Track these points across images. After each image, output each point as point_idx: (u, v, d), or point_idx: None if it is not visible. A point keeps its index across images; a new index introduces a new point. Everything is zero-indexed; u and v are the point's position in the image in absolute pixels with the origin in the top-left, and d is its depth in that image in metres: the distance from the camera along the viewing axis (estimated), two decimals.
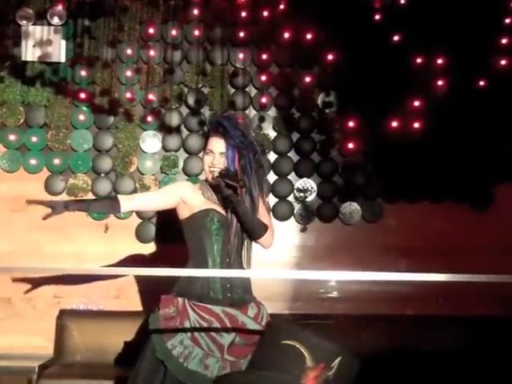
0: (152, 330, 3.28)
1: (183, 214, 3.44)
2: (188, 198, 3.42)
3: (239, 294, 3.35)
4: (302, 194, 5.12)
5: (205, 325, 3.24)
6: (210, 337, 3.23)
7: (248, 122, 5.02)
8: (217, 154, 3.37)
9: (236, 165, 3.37)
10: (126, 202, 3.42)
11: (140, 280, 4.89)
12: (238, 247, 3.42)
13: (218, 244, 3.37)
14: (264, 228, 3.42)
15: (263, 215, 3.47)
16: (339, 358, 2.92)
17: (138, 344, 4.71)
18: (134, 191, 5.04)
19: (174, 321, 3.26)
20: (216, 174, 3.34)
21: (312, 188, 5.12)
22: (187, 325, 3.24)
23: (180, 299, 3.30)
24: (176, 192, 3.46)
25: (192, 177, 5.02)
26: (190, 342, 3.21)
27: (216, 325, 3.24)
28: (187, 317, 3.25)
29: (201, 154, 4.04)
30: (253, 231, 3.40)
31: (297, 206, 5.12)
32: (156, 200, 3.53)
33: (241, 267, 3.42)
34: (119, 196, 3.50)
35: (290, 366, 2.95)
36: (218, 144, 3.38)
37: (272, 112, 5.17)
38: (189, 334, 3.22)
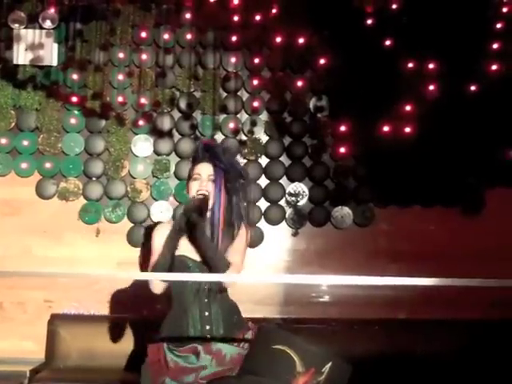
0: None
1: None
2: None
3: (219, 333, 3.24)
4: (293, 198, 5.12)
5: (182, 363, 3.18)
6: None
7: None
8: (204, 177, 3.32)
9: (222, 189, 3.31)
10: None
11: (131, 284, 4.88)
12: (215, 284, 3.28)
13: (193, 288, 3.26)
14: (226, 266, 3.22)
15: (234, 251, 3.32)
16: (330, 363, 2.91)
17: (130, 348, 4.76)
18: (126, 195, 5.04)
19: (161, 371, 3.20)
20: (203, 194, 3.27)
21: (303, 192, 5.13)
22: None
23: (163, 346, 3.24)
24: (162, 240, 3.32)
25: (183, 181, 5.01)
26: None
27: (192, 357, 3.18)
28: (166, 363, 3.20)
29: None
30: (210, 264, 3.23)
31: (288, 210, 5.12)
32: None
33: (224, 302, 3.31)
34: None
35: (281, 370, 2.94)
36: (205, 168, 3.34)
37: (264, 116, 5.17)
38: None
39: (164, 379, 3.13)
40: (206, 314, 3.24)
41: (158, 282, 3.24)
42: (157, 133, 5.10)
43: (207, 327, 3.24)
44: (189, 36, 5.11)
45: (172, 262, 3.19)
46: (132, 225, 5.06)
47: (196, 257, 3.30)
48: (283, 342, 2.97)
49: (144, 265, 4.87)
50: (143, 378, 3.25)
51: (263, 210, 5.11)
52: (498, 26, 5.05)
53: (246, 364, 3.10)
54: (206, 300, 3.27)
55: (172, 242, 3.20)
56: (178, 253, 3.26)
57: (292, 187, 5.14)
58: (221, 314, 3.27)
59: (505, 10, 5.06)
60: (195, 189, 3.32)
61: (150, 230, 4.04)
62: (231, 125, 5.08)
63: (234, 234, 3.34)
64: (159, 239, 3.29)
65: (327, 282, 4.23)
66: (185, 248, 3.29)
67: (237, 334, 3.27)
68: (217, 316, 3.26)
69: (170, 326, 3.29)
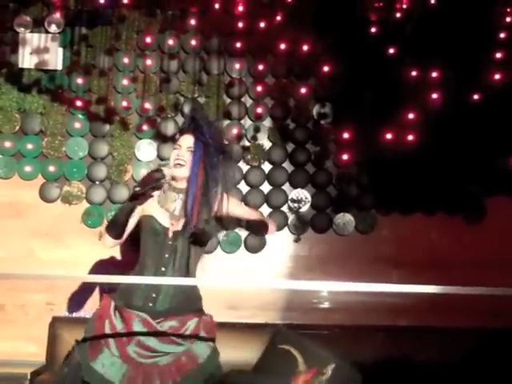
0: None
1: None
2: (145, 204, 3.48)
3: (164, 306, 3.36)
4: (296, 205, 5.13)
5: (119, 326, 3.32)
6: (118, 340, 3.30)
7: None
8: (184, 148, 3.45)
9: (200, 162, 3.41)
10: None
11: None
12: (181, 259, 3.41)
13: (155, 252, 3.41)
14: (262, 223, 3.52)
15: (237, 206, 3.59)
16: (333, 366, 2.95)
17: None
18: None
19: (99, 320, 3.38)
20: (181, 164, 3.43)
21: (306, 198, 5.14)
22: (106, 325, 3.35)
23: (110, 300, 3.42)
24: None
25: None
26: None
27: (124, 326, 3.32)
28: (107, 317, 3.36)
29: None
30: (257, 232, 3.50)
31: (291, 217, 5.13)
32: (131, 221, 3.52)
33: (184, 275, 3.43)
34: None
35: (282, 369, 2.99)
36: (187, 140, 3.47)
37: (267, 122, 5.19)
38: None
39: (103, 348, 3.27)
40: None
41: (105, 234, 3.46)
42: (161, 138, 5.11)
43: (153, 295, 3.35)
44: (193, 42, 5.14)
45: (123, 224, 3.39)
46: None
47: (164, 221, 3.43)
48: (289, 342, 3.02)
49: None
50: (88, 325, 3.44)
51: (266, 216, 5.11)
52: (502, 35, 5.07)
53: (257, 362, 3.14)
54: (163, 269, 3.38)
55: (127, 207, 3.41)
56: (147, 213, 3.46)
57: (294, 193, 5.15)
58: (172, 288, 3.36)
59: (508, 19, 5.08)
60: (173, 157, 3.47)
61: None
62: (235, 131, 5.10)
63: (210, 205, 3.42)
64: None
65: (329, 288, 4.24)
66: (154, 210, 3.45)
67: (184, 314, 3.37)
68: (167, 289, 3.35)
69: (122, 290, 3.44)
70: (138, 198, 3.33)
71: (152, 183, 3.32)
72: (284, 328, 3.30)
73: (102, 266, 4.92)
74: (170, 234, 3.40)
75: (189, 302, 3.42)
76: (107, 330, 3.33)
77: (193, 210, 3.33)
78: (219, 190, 3.44)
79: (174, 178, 3.45)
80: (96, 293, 4.86)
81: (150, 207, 3.46)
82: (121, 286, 3.46)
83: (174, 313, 3.35)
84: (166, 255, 3.38)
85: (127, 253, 4.92)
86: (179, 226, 3.42)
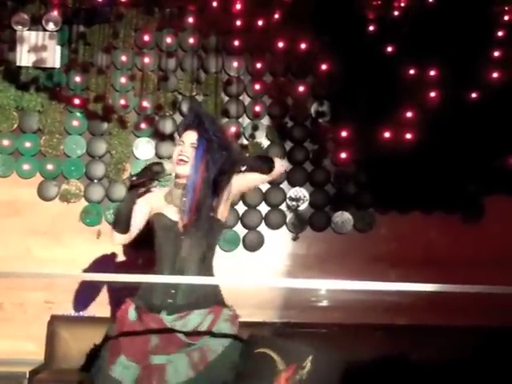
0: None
1: None
2: (154, 202, 3.46)
3: (185, 300, 3.31)
4: (294, 203, 5.13)
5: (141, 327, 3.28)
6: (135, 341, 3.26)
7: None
8: (187, 144, 3.40)
9: (203, 158, 3.35)
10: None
11: (131, 286, 4.88)
12: (195, 253, 3.38)
13: (169, 248, 3.38)
14: (267, 159, 3.48)
15: (242, 179, 3.45)
16: (310, 357, 2.95)
17: None
18: None
19: (120, 324, 3.34)
20: (184, 160, 3.38)
21: (304, 197, 5.14)
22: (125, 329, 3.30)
23: (131, 303, 3.38)
24: (145, 201, 3.46)
25: None
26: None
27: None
28: (126, 320, 3.33)
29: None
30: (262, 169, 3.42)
31: (289, 215, 5.13)
32: (136, 219, 3.45)
33: (200, 273, 3.36)
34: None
35: (262, 372, 2.99)
36: (190, 136, 3.41)
37: (265, 121, 5.19)
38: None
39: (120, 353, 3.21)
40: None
41: (117, 234, 3.40)
42: (159, 136, 5.11)
43: (172, 291, 3.31)
44: (191, 40, 5.14)
45: (128, 217, 3.35)
46: None
47: (173, 216, 3.38)
48: (265, 344, 3.02)
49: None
50: (109, 329, 3.40)
51: (264, 214, 5.12)
52: (500, 33, 5.08)
53: (237, 372, 3.13)
54: (178, 265, 3.35)
55: (128, 198, 3.37)
56: (156, 211, 3.41)
57: (293, 192, 5.15)
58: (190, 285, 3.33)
59: (506, 17, 5.08)
60: (176, 154, 3.41)
61: None
62: (233, 129, 5.10)
63: (211, 201, 3.36)
64: (141, 200, 3.44)
65: (327, 286, 4.25)
66: (164, 208, 3.41)
67: (208, 308, 3.32)
68: (186, 284, 3.32)
69: (142, 290, 3.40)
70: (134, 187, 3.32)
71: (150, 175, 3.31)
72: (260, 333, 3.30)
73: (101, 265, 4.91)
74: (181, 227, 3.36)
75: (209, 294, 3.38)
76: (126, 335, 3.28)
77: (191, 205, 3.32)
78: (223, 183, 3.42)
79: (177, 176, 3.44)
80: (104, 291, 4.89)
81: (159, 205, 3.43)
82: (142, 286, 3.41)
83: (195, 306, 3.31)
84: (180, 251, 3.36)
85: (129, 252, 4.94)
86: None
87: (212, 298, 3.37)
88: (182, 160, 3.37)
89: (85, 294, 4.91)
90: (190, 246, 3.36)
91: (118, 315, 3.39)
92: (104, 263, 4.92)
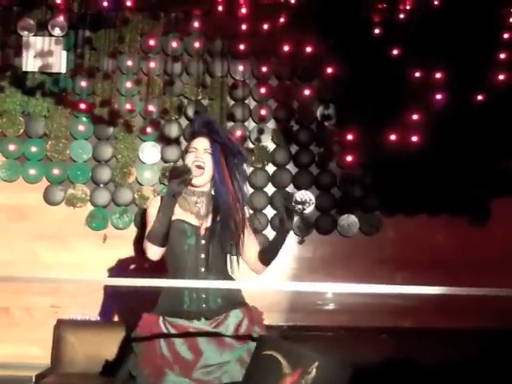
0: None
1: None
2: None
3: (218, 303, 3.25)
4: (300, 206, 5.10)
5: (178, 341, 3.17)
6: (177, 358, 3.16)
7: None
8: (200, 150, 3.30)
9: (222, 163, 3.30)
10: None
11: (137, 290, 4.88)
12: (217, 257, 3.32)
13: (190, 255, 3.29)
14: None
15: (249, 236, 3.44)
16: (316, 363, 2.94)
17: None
18: (133, 202, 5.06)
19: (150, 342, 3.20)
20: (202, 166, 3.28)
21: (310, 200, 5.09)
22: (161, 343, 3.18)
23: (158, 317, 3.25)
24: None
25: None
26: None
27: (185, 344, 3.17)
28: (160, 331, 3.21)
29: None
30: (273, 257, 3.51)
31: (295, 218, 5.11)
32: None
33: (223, 277, 3.32)
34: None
35: (268, 375, 2.98)
36: (202, 142, 3.32)
37: (271, 124, 5.19)
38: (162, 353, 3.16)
39: (165, 371, 3.10)
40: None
41: (151, 246, 3.20)
42: (164, 140, 5.12)
43: (203, 296, 3.23)
44: (197, 44, 5.15)
45: (168, 228, 3.17)
46: (139, 231, 5.07)
47: (193, 221, 3.31)
48: (272, 347, 3.01)
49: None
50: (136, 347, 3.21)
51: (269, 218, 5.12)
52: (506, 36, 5.07)
53: (245, 374, 3.13)
54: (202, 269, 3.28)
55: (167, 206, 3.16)
56: (173, 217, 3.24)
57: (299, 195, 5.12)
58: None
59: None
60: (191, 160, 3.29)
61: None
62: (238, 133, 5.10)
63: (242, 205, 3.35)
64: (154, 210, 3.26)
65: (333, 289, 4.23)
66: (181, 214, 3.31)
67: (240, 308, 3.29)
68: (212, 290, 3.24)
69: (166, 300, 3.29)
70: (176, 194, 3.14)
71: (182, 175, 3.12)
72: (268, 335, 3.28)
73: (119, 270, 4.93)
74: (203, 232, 3.31)
75: (234, 295, 3.34)
76: (164, 348, 3.15)
77: (229, 203, 3.28)
78: (244, 190, 3.39)
79: (192, 185, 3.32)
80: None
81: (177, 212, 3.29)
82: (161, 300, 3.31)
83: (227, 309, 3.26)
84: (202, 255, 3.28)
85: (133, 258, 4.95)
86: (208, 223, 3.36)
87: (238, 299, 3.35)
88: (199, 166, 3.30)
89: (110, 300, 4.92)
90: (212, 250, 3.32)
91: (145, 332, 3.24)
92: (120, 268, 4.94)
